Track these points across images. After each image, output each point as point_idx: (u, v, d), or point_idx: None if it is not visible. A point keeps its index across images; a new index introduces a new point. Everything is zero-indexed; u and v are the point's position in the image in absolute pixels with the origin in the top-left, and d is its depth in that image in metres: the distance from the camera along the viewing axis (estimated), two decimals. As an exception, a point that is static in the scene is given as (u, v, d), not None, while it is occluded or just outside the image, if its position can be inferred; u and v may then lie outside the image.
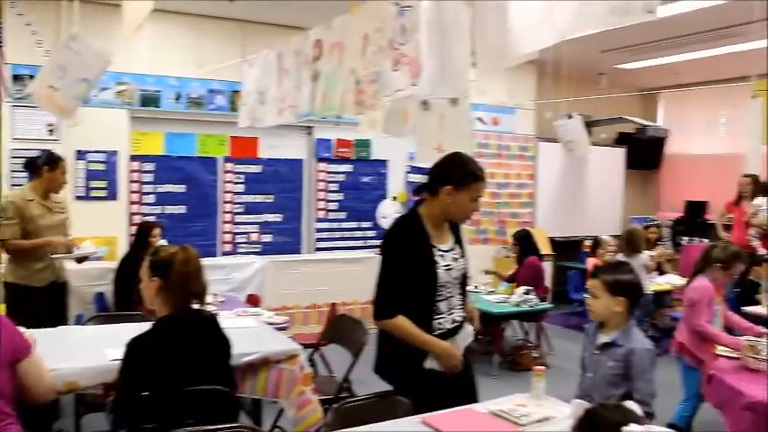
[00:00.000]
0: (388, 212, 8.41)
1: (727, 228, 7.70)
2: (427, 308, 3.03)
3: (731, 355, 4.30)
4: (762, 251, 7.16)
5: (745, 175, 7.34)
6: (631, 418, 1.76)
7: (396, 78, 3.09)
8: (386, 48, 3.20)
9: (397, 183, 8.50)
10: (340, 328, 4.75)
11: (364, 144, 8.24)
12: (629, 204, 10.65)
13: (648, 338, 2.96)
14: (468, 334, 3.27)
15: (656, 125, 10.83)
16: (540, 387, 2.75)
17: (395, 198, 8.47)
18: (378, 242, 7.74)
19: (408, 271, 2.98)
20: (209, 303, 5.21)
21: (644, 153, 10.69)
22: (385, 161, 8.40)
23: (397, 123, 4.61)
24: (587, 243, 8.76)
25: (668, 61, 8.94)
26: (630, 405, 1.95)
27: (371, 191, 8.45)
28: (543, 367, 2.87)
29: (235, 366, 3.14)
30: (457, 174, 2.95)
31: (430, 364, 3.01)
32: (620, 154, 10.55)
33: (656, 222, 9.25)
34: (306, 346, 5.17)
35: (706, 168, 8.96)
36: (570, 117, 7.74)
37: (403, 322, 2.95)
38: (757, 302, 6.19)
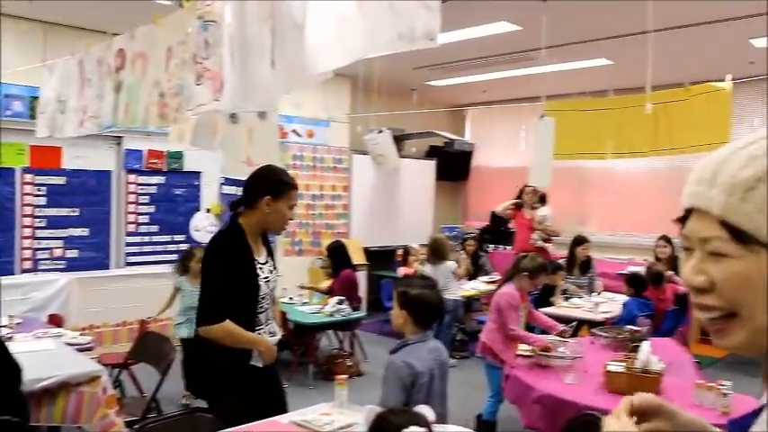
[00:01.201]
0: (202, 225, 8.26)
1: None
2: (250, 319, 3.14)
3: (527, 354, 4.69)
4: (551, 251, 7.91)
5: (527, 186, 7.94)
6: (416, 421, 1.87)
7: (198, 92, 3.07)
8: (189, 61, 3.16)
9: (211, 195, 8.35)
10: (147, 346, 4.62)
11: (177, 155, 8.02)
12: (439, 214, 11.15)
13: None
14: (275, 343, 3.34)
15: (464, 140, 11.45)
16: (342, 395, 2.84)
17: (209, 210, 8.32)
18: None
19: (233, 283, 3.07)
20: (3, 326, 4.88)
21: (453, 165, 11.25)
22: (198, 173, 8.22)
23: (206, 136, 4.55)
24: (399, 252, 9.10)
25: (475, 80, 9.51)
26: (422, 409, 2.07)
27: (184, 203, 8.24)
28: (345, 376, 2.95)
29: (28, 393, 2.97)
30: (273, 183, 3.14)
31: (255, 360, 3.12)
32: (430, 166, 11.01)
33: (472, 235, 9.78)
34: (113, 366, 4.99)
35: (509, 180, 9.59)
36: (380, 132, 7.96)
37: (231, 325, 3.03)
38: (551, 304, 6.76)
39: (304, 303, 6.96)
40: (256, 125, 4.14)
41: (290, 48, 2.51)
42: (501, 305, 4.84)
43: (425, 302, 2.94)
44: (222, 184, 8.34)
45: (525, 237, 7.91)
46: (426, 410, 2.07)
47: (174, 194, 8.16)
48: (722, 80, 5.58)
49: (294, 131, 9.08)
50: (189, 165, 8.15)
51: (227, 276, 3.05)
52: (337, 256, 7.34)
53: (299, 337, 6.62)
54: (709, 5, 5.76)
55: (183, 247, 8.12)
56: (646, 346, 4.05)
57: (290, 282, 8.61)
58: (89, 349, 4.95)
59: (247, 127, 4.11)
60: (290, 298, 7.16)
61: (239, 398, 3.01)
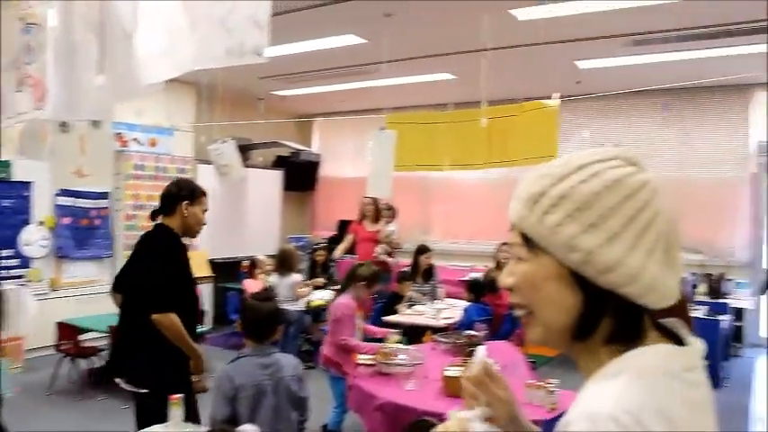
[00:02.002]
0: (34, 239, 7.74)
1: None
2: (192, 320, 3.44)
3: (368, 362, 4.74)
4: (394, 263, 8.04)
5: (366, 197, 8.02)
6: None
7: (19, 100, 2.89)
8: (10, 66, 2.98)
9: (43, 207, 7.82)
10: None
11: (4, 164, 7.46)
12: (286, 224, 11.09)
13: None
14: None
15: (309, 150, 11.47)
16: (176, 415, 2.76)
17: (42, 223, 7.81)
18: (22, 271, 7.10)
19: (179, 275, 3.36)
20: None
21: (300, 175, 11.24)
22: (28, 183, 7.67)
23: (35, 145, 4.27)
24: (246, 264, 8.96)
25: (322, 90, 9.58)
26: (245, 428, 2.06)
27: (13, 215, 7.69)
28: (179, 396, 2.86)
29: None
30: (189, 190, 3.57)
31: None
32: (277, 176, 10.95)
33: (321, 244, 9.78)
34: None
35: (355, 190, 9.70)
36: (224, 142, 7.78)
37: (179, 321, 3.19)
38: (396, 312, 6.90)
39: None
40: (89, 134, 3.95)
41: (120, 57, 2.42)
42: (337, 315, 4.88)
43: (255, 315, 2.94)
44: (57, 195, 7.83)
45: (368, 250, 7.87)
46: (250, 429, 2.06)
47: (2, 206, 7.60)
48: (550, 98, 5.96)
49: (135, 140, 8.72)
50: (18, 174, 7.60)
51: (172, 268, 3.30)
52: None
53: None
54: (541, 28, 6.13)
55: (13, 262, 7.59)
56: (480, 351, 4.21)
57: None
58: None
59: (79, 136, 3.91)
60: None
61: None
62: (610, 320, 0.91)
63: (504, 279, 0.99)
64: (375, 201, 8.06)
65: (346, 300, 4.94)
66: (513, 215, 0.97)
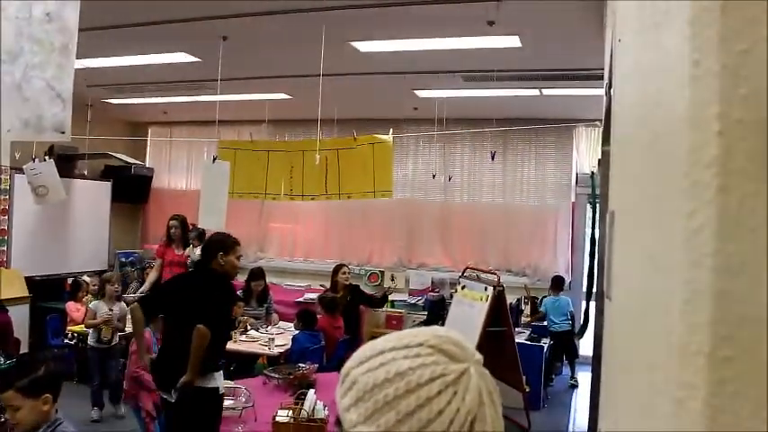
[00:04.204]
0: None
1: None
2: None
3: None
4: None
5: (173, 217, 7.78)
6: None
7: None
8: None
9: None
10: None
11: None
12: (116, 238, 10.48)
13: None
14: None
15: (141, 164, 10.84)
16: None
17: None
18: None
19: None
20: None
21: (131, 187, 10.57)
22: None
23: None
24: (69, 282, 8.39)
25: (156, 101, 9.20)
26: None
27: None
28: None
29: None
30: (224, 243, 4.35)
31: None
32: (106, 187, 10.24)
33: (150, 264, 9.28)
34: None
35: (188, 203, 9.32)
36: (43, 160, 6.95)
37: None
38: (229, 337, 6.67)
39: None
40: None
41: None
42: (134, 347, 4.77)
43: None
44: None
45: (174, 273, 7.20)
46: None
47: None
48: (387, 126, 6.05)
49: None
50: None
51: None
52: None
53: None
54: (379, 60, 6.18)
55: None
56: (311, 395, 4.19)
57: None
58: None
59: None
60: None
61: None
62: None
63: None
64: (182, 223, 7.76)
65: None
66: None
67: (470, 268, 6.88)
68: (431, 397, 0.84)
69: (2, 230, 8.61)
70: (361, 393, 0.87)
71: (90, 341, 6.31)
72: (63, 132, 1.90)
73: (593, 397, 2.96)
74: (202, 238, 7.79)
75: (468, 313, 6.22)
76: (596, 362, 2.84)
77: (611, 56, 2.00)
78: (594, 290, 3.88)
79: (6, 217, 8.65)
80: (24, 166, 7.02)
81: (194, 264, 4.61)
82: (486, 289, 6.14)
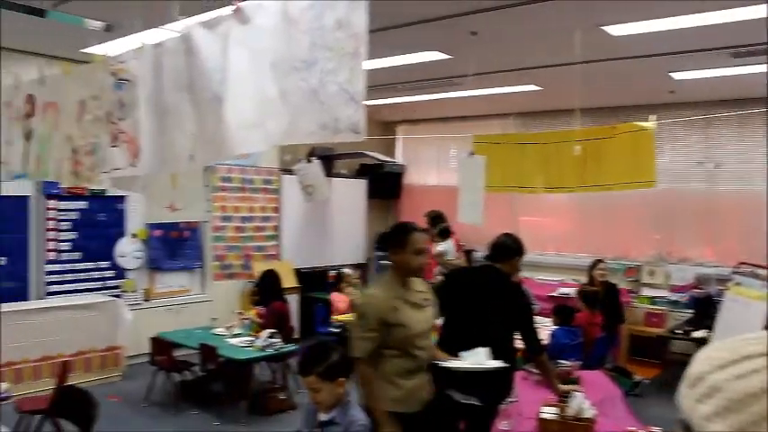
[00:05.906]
0: (128, 251, 7.98)
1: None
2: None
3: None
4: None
5: (426, 213, 8.07)
6: None
7: (115, 155, 2.91)
8: (103, 119, 3.00)
9: (136, 220, 8.05)
10: (68, 403, 4.37)
11: (99, 179, 7.70)
12: (371, 233, 11.03)
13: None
14: None
15: (393, 161, 11.32)
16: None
17: (135, 235, 8.04)
18: (119, 281, 7.30)
19: None
20: None
21: (384, 184, 11.12)
22: (122, 197, 7.89)
23: (128, 178, 4.36)
24: (332, 273, 8.98)
25: (405, 101, 9.49)
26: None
27: (108, 228, 7.94)
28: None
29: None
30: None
31: None
32: (362, 185, 10.89)
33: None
34: (33, 412, 4.72)
35: (439, 198, 9.56)
36: (309, 161, 7.60)
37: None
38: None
39: (235, 335, 6.72)
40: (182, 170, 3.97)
41: (210, 121, 2.38)
42: None
43: None
44: (148, 209, 8.06)
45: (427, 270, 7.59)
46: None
47: (98, 220, 7.85)
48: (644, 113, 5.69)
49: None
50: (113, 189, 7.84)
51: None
52: (267, 285, 7.15)
53: (230, 370, 6.42)
54: (631, 42, 5.85)
55: (109, 274, 7.82)
56: (579, 396, 4.07)
57: (221, 308, 8.42)
58: (5, 399, 4.69)
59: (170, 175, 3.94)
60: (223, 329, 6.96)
61: None
62: None
63: None
64: (432, 219, 7.90)
65: None
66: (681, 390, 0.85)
67: (745, 263, 6.29)
68: None
69: (274, 227, 9.47)
70: (730, 403, 0.76)
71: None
72: (358, 133, 2.00)
73: None
74: (444, 235, 7.96)
75: (744, 313, 5.70)
76: None
77: None
78: None
79: (278, 215, 9.49)
80: (294, 167, 7.64)
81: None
82: (764, 287, 5.59)
